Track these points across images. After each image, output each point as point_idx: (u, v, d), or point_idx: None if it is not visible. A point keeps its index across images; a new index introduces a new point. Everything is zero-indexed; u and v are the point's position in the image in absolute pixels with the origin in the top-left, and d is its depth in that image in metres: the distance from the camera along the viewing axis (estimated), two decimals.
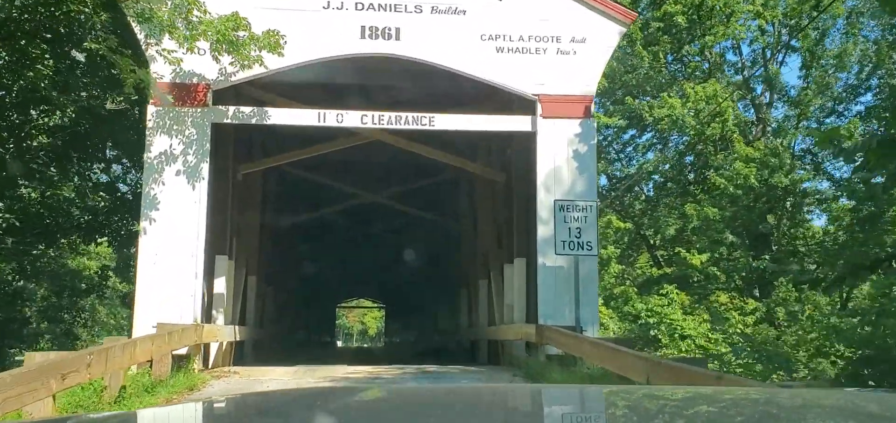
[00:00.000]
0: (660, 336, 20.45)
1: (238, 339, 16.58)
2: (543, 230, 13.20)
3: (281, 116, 13.91)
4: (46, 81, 13.49)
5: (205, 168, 12.99)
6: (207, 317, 14.99)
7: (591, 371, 10.07)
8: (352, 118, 13.76)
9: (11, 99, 14.35)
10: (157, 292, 12.57)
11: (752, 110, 27.79)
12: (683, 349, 19.94)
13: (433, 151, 17.02)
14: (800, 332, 24.61)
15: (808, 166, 26.08)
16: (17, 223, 16.27)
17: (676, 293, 21.73)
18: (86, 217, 17.74)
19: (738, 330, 21.52)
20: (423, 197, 25.75)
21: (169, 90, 12.80)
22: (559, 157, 13.39)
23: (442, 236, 28.30)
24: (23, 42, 12.59)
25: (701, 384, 6.03)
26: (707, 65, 27.78)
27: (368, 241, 32.35)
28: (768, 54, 27.12)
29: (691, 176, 29.65)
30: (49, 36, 12.74)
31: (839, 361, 12.57)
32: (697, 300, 25.14)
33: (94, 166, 18.38)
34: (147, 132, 13.02)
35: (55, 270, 20.56)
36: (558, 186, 13.25)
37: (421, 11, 13.58)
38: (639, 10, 25.30)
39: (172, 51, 11.83)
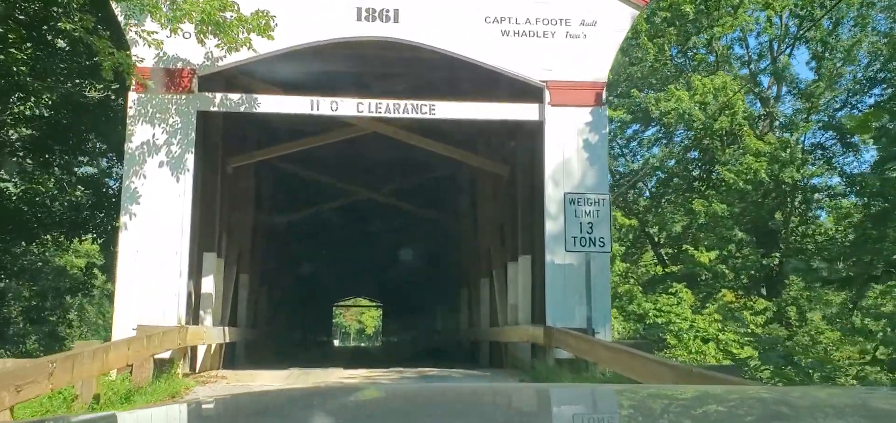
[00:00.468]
0: (668, 338, 19.67)
1: (228, 341, 15.74)
2: (552, 226, 12.38)
3: (272, 103, 13.06)
4: (23, 68, 12.66)
5: (190, 159, 12.14)
6: (195, 318, 14.17)
7: (605, 378, 9.28)
8: (347, 106, 12.92)
9: None
10: (138, 291, 11.73)
11: (759, 104, 27.04)
12: (693, 351, 19.18)
13: (433, 143, 16.21)
14: (811, 332, 23.90)
15: (818, 161, 25.30)
16: None
17: (686, 292, 20.93)
18: (68, 213, 16.89)
19: (750, 331, 20.78)
20: (421, 193, 24.99)
21: (151, 76, 11.95)
22: (568, 147, 12.56)
23: (441, 234, 27.50)
24: None
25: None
26: (712, 58, 27.05)
27: (366, 239, 31.63)
28: (775, 47, 26.41)
29: (696, 172, 28.96)
30: (22, 18, 11.88)
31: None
32: (703, 300, 24.36)
33: (79, 159, 17.57)
34: (128, 121, 12.17)
35: (40, 268, 19.70)
36: (567, 178, 12.42)
37: None
38: None
39: (153, 32, 10.98)
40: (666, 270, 26.90)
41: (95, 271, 20.09)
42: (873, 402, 2.03)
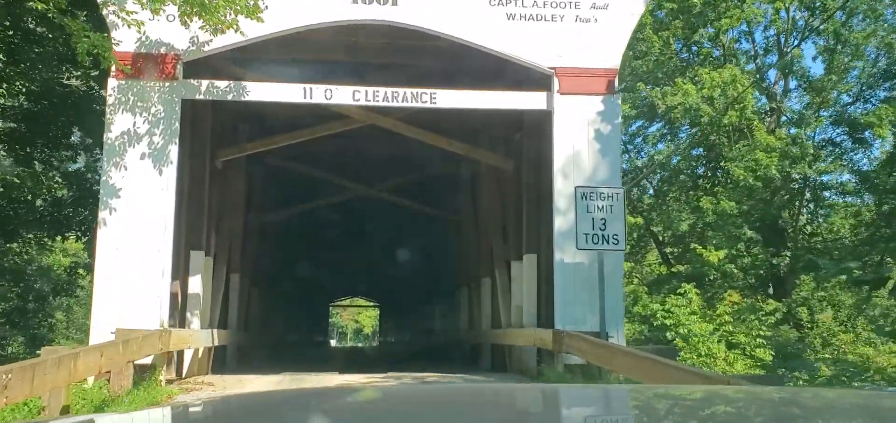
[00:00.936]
0: (677, 340, 18.92)
1: (217, 344, 14.92)
2: (561, 222, 11.59)
3: (262, 91, 12.23)
4: None
5: (173, 150, 11.32)
6: (181, 320, 13.38)
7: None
8: (342, 94, 12.10)
9: None
10: (117, 292, 10.92)
11: (765, 99, 26.31)
12: (703, 354, 18.42)
13: (433, 136, 15.41)
14: (823, 333, 23.16)
15: (828, 158, 24.54)
16: None
17: (696, 293, 20.15)
18: (50, 210, 16.06)
19: (762, 333, 20.05)
20: (420, 190, 24.25)
21: (132, 61, 11.14)
22: (579, 139, 11.75)
23: (441, 232, 26.73)
24: None
25: None
26: (717, 53, 26.32)
27: (362, 237, 30.94)
28: (782, 40, 25.70)
29: (700, 170, 28.24)
30: None
31: None
32: (709, 300, 23.62)
33: (63, 154, 16.75)
34: (107, 109, 11.35)
35: (21, 268, 18.85)
36: (578, 171, 11.62)
37: None
38: None
39: (133, 12, 10.16)
40: (672, 269, 26.15)
41: (80, 270, 19.26)
42: (885, 402, 2.01)
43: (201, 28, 10.36)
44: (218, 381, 12.57)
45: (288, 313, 34.11)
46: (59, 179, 15.13)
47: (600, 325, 10.58)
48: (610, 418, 2.00)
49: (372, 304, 70.30)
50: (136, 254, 11.00)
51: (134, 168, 11.19)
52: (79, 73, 11.85)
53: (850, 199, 25.44)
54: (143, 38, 11.19)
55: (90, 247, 18.74)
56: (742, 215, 23.16)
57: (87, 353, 7.83)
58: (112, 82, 11.34)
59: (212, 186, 14.79)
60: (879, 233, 22.46)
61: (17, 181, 13.45)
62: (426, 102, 11.99)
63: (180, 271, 13.17)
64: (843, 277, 18.99)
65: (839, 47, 23.14)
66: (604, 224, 10.57)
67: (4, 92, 12.71)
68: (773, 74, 26.30)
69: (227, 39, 11.10)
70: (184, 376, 13.17)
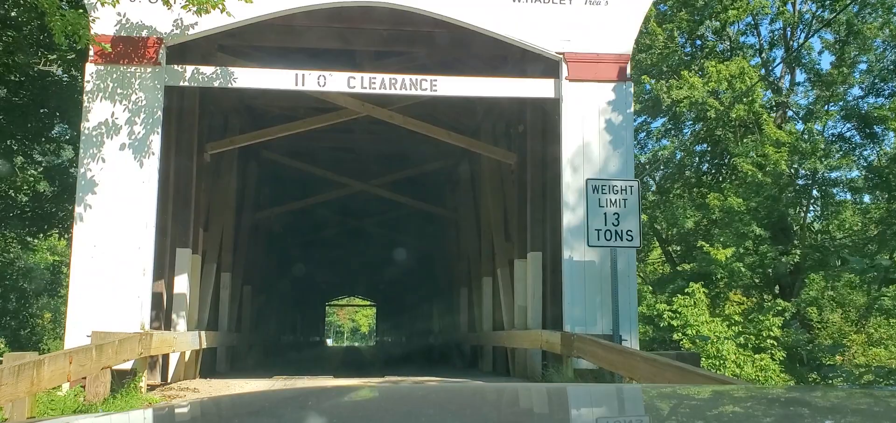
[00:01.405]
0: (684, 342, 18.25)
1: (206, 346, 14.18)
2: (570, 218, 10.86)
3: (251, 77, 11.47)
4: None
5: (155, 141, 10.56)
6: (167, 321, 12.64)
7: None
8: (337, 81, 11.33)
9: None
10: (95, 292, 10.17)
11: (769, 94, 25.63)
12: (712, 356, 17.73)
13: (432, 128, 14.70)
14: (833, 334, 22.50)
15: (838, 153, 23.85)
16: None
17: (704, 293, 19.45)
18: (30, 204, 15.30)
19: (771, 334, 19.38)
20: (418, 187, 23.55)
21: (111, 45, 10.39)
22: (589, 129, 11.01)
23: (439, 230, 26.00)
24: None
25: None
26: (721, 48, 25.65)
27: (359, 235, 30.29)
28: (788, 34, 25.04)
29: (705, 167, 27.58)
30: None
31: None
32: (713, 299, 22.96)
33: (44, 146, 15.99)
34: (84, 96, 10.59)
35: (6, 266, 18.09)
36: (588, 164, 10.88)
37: None
38: None
39: None
40: (677, 268, 25.47)
41: (65, 269, 18.49)
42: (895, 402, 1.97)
43: (184, 7, 9.59)
44: (204, 386, 11.84)
45: (283, 313, 33.39)
46: (33, 172, 14.33)
47: (613, 327, 9.88)
48: (615, 418, 1.94)
49: (369, 303, 69.63)
50: (115, 251, 10.25)
51: (113, 160, 10.44)
52: (54, 56, 11.03)
53: (857, 196, 24.79)
54: (123, 21, 10.46)
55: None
56: (750, 211, 22.50)
57: (53, 360, 7.08)
58: (90, 68, 10.59)
59: (201, 180, 14.05)
60: (892, 230, 21.84)
61: None
62: (426, 89, 11.23)
63: (165, 269, 12.45)
64: (856, 276, 18.24)
65: (851, 39, 22.43)
66: (617, 219, 9.85)
67: None
68: (779, 67, 25.69)
69: (214, 21, 10.34)
70: (169, 381, 12.44)
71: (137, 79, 10.57)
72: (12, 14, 12.06)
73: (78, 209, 10.33)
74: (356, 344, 77.86)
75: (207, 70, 11.08)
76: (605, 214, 9.89)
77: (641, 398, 2.23)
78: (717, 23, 24.82)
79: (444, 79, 11.36)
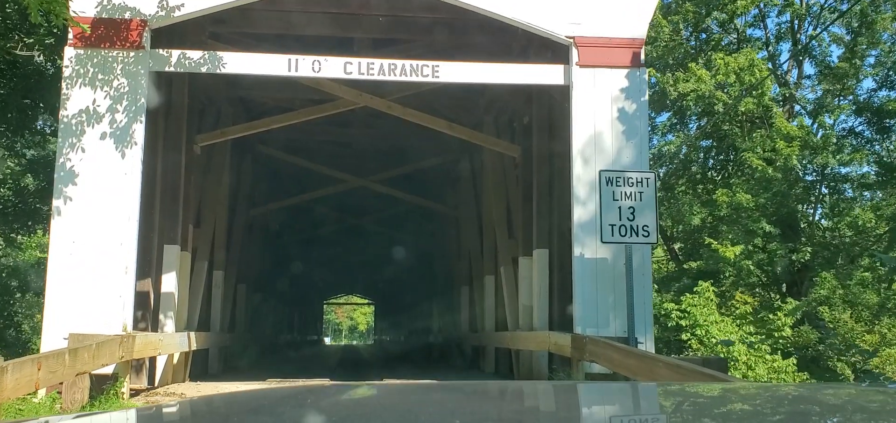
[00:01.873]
0: (692, 342, 17.63)
1: (195, 347, 13.51)
2: (581, 212, 10.20)
3: (241, 63, 10.79)
4: None
5: (138, 130, 9.89)
6: (154, 322, 11.99)
7: None
8: (332, 67, 10.66)
9: None
10: (74, 291, 9.52)
11: (776, 88, 25.02)
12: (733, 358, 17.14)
13: (433, 119, 14.05)
14: (845, 334, 21.86)
15: (849, 148, 23.25)
16: None
17: (710, 291, 18.82)
18: (13, 200, 14.63)
19: (782, 335, 18.78)
20: (418, 183, 22.92)
21: (92, 27, 9.73)
22: (601, 118, 10.35)
23: (439, 227, 25.35)
24: None
25: None
26: (726, 41, 25.04)
27: (357, 232, 29.67)
28: (796, 26, 24.45)
29: (710, 163, 26.97)
30: None
31: None
32: (720, 297, 22.33)
33: (27, 138, 15.32)
34: (63, 82, 9.93)
35: None
36: (600, 155, 10.23)
37: None
38: None
39: None
40: (684, 266, 24.83)
41: None
42: None
43: None
44: (192, 390, 11.19)
45: (279, 312, 32.74)
46: (11, 165, 13.66)
47: (628, 329, 9.24)
48: (622, 417, 1.87)
49: (367, 301, 69.03)
50: (95, 247, 9.59)
51: (93, 150, 9.77)
52: (32, 40, 10.36)
53: (869, 192, 24.19)
54: (104, 1, 9.78)
55: None
56: (758, 208, 21.89)
57: (17, 366, 6.41)
58: (69, 51, 9.93)
59: (190, 174, 13.39)
60: None
61: None
62: (427, 75, 10.56)
63: (152, 267, 11.80)
64: (872, 274, 17.61)
65: (863, 29, 21.80)
66: (632, 214, 9.21)
67: None
68: (786, 62, 25.07)
69: (201, 2, 9.68)
70: (156, 384, 11.80)
71: (120, 64, 9.91)
72: None
73: (56, 202, 9.67)
74: (354, 343, 77.26)
75: (195, 55, 10.40)
76: (619, 207, 9.25)
77: (652, 395, 2.16)
78: (724, 15, 24.24)
79: (447, 64, 10.69)
